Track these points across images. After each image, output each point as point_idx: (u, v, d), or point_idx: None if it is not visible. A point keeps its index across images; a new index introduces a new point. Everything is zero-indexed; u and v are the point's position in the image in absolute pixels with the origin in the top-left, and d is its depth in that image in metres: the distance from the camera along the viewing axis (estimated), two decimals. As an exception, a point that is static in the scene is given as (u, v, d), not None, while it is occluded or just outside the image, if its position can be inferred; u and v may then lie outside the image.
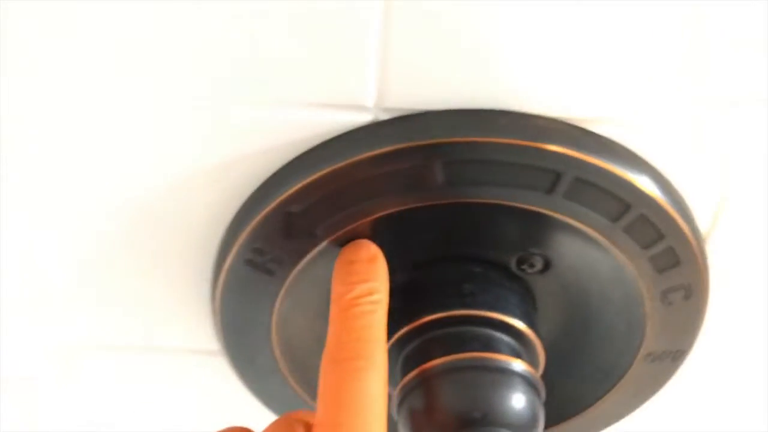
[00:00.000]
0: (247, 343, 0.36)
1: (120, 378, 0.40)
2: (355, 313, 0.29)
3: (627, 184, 0.30)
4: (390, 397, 0.32)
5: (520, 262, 0.34)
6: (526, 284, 0.34)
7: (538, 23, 0.27)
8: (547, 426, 0.32)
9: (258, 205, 0.31)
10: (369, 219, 0.31)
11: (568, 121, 0.30)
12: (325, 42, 0.28)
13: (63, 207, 0.33)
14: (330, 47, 0.28)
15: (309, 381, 0.37)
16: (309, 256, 0.32)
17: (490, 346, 0.32)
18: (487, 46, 0.28)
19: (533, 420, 0.31)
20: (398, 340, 0.33)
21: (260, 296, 0.34)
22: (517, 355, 0.32)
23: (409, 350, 0.33)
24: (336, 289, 0.30)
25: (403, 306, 0.34)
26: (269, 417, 0.39)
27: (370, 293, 0.30)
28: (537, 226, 0.32)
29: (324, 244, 0.32)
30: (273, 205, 0.31)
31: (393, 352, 0.33)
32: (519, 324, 0.32)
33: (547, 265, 0.34)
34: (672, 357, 0.36)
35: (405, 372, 0.33)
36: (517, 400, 0.31)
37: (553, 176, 0.29)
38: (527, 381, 0.31)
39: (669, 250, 0.32)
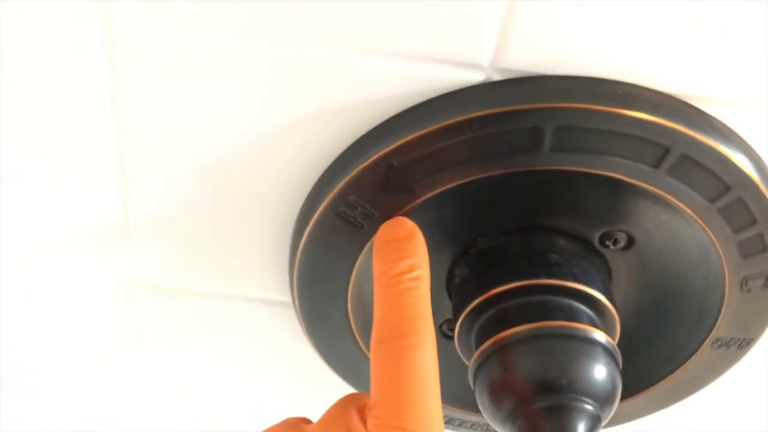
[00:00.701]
0: (324, 296, 0.35)
1: (194, 322, 0.40)
2: (398, 291, 0.29)
3: (732, 166, 0.30)
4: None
5: (603, 237, 0.34)
6: (605, 259, 0.34)
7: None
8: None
9: (359, 155, 0.31)
10: (466, 181, 0.31)
11: (679, 98, 0.30)
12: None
13: (165, 142, 0.33)
14: (455, 1, 0.28)
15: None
16: (401, 212, 0.32)
17: (573, 316, 0.32)
18: (609, 18, 0.28)
19: (613, 391, 0.31)
20: (473, 310, 0.33)
21: (346, 247, 0.33)
22: (598, 328, 0.32)
23: (485, 319, 0.33)
24: (377, 268, 0.30)
25: (482, 272, 0.34)
26: (331, 376, 0.39)
27: (411, 270, 0.30)
28: (630, 201, 0.32)
29: (418, 201, 0.31)
30: (376, 156, 0.30)
31: (466, 322, 0.33)
32: (601, 297, 0.32)
33: (630, 243, 0.34)
34: (739, 344, 0.36)
35: (480, 341, 0.33)
36: (599, 371, 0.31)
37: (662, 151, 0.29)
38: (609, 353, 0.31)
39: (758, 236, 0.32)
